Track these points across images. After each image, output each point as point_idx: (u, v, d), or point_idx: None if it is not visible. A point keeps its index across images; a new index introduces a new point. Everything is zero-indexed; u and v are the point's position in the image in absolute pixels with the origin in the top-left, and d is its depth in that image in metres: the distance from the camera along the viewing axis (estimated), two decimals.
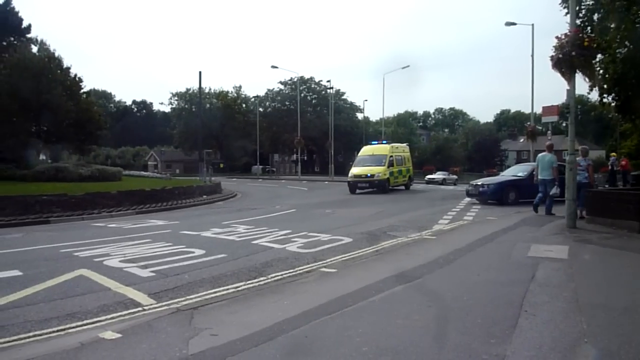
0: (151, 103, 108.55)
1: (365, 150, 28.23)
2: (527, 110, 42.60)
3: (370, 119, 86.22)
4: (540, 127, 32.04)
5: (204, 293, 5.68)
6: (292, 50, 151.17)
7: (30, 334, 4.38)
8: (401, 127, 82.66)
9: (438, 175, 46.04)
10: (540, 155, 13.54)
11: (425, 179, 45.91)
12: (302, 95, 67.29)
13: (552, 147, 13.32)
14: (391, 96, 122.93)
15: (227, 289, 5.87)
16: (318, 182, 43.21)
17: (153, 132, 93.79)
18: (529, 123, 31.60)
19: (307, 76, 73.36)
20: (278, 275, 6.61)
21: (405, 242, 9.35)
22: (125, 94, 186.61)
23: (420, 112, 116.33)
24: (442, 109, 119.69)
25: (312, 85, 74.33)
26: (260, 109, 71.06)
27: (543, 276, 6.21)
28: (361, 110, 75.01)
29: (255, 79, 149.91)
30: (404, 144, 31.79)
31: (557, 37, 10.21)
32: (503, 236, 9.82)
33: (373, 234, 10.47)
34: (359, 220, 13.37)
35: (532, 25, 29.10)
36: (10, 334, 4.36)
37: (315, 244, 9.06)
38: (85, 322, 4.70)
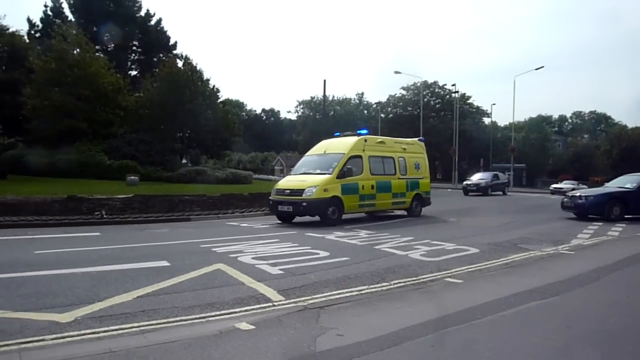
0: (279, 111, 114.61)
1: (317, 147, 16.19)
2: None
3: (498, 124, 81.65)
4: None
5: (329, 293, 5.84)
6: (416, 55, 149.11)
7: (177, 318, 4.86)
8: (533, 132, 77.01)
9: (566, 185, 41.70)
10: None
11: (550, 188, 42.09)
12: (425, 100, 66.16)
13: None
14: (522, 99, 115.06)
15: (351, 292, 5.97)
16: (440, 189, 41.92)
17: (280, 138, 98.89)
18: None
19: (430, 80, 72.08)
20: (401, 282, 6.55)
21: (538, 256, 8.69)
22: (256, 103, 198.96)
23: (556, 116, 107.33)
24: (580, 112, 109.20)
25: (436, 90, 72.78)
26: (382, 115, 71.29)
27: None
28: (488, 115, 71.70)
29: (378, 85, 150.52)
30: (412, 140, 18.11)
31: None
32: None
33: (502, 245, 9.90)
34: (485, 230, 12.74)
35: None
36: (161, 317, 4.89)
37: (439, 253, 8.82)
38: (222, 312, 5.10)
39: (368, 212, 15.91)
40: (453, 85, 72.75)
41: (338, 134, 16.76)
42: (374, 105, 78.07)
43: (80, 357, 3.76)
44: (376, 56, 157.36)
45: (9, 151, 30.61)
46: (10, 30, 36.45)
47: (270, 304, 5.40)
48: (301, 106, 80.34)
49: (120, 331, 4.41)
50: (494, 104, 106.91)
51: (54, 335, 4.21)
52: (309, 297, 5.64)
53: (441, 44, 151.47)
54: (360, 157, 14.66)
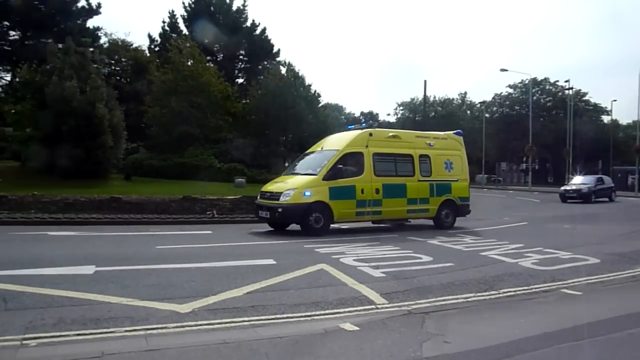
0: (377, 114, 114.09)
1: (318, 143, 14.15)
2: None
3: (620, 122, 74.03)
4: None
5: (434, 299, 5.69)
6: (523, 51, 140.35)
7: (284, 315, 5.03)
8: None
9: None
10: None
11: None
12: (535, 98, 61.99)
13: None
14: None
15: (457, 298, 5.77)
16: (552, 193, 39.01)
17: None
18: None
19: (540, 77, 67.34)
20: (510, 291, 6.21)
21: None
22: (355, 106, 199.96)
23: None
24: None
25: (547, 87, 67.84)
26: (487, 115, 67.95)
27: None
28: (608, 113, 65.21)
29: (482, 84, 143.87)
30: (444, 133, 14.77)
31: None
32: None
33: (627, 256, 8.97)
34: (606, 239, 11.63)
35: None
36: (269, 312, 5.09)
37: (552, 262, 8.22)
38: (326, 311, 5.18)
39: (374, 221, 13.26)
40: (566, 81, 66.95)
41: (352, 127, 14.73)
42: (478, 105, 74.69)
43: (197, 345, 4.04)
44: (480, 55, 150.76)
45: (133, 155, 33.86)
46: (134, 45, 40.60)
47: (374, 306, 5.39)
48: (400, 108, 79.27)
49: (233, 324, 4.66)
50: (615, 101, 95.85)
51: (175, 324, 4.57)
52: (413, 302, 5.54)
53: (553, 37, 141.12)
54: (360, 154, 12.18)
